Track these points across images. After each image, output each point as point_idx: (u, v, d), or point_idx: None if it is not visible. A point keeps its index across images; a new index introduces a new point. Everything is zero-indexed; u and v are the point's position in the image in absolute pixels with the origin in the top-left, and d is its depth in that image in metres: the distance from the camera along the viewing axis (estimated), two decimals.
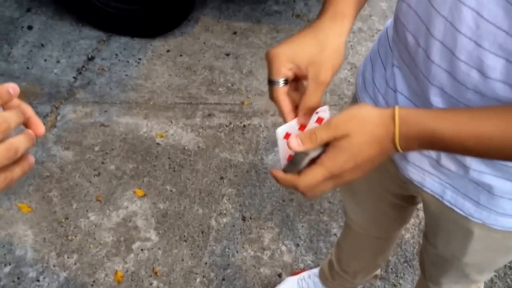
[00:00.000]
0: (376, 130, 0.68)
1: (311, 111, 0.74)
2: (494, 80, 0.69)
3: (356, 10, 0.79)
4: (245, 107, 2.49)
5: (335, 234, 2.07)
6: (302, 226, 2.09)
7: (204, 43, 2.78)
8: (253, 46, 2.80)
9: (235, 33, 2.85)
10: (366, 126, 0.68)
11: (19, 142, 0.54)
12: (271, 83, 0.75)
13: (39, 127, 0.59)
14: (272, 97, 0.76)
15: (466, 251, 1.02)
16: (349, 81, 2.64)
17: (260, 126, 2.42)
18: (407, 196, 1.22)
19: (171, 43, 2.77)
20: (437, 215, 1.02)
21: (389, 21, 1.01)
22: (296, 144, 0.69)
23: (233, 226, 2.08)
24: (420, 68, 0.81)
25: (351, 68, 2.71)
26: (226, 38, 2.82)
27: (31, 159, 0.57)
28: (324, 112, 0.74)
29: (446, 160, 0.87)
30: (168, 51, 2.73)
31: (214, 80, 2.60)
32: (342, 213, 2.13)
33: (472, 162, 0.83)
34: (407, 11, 0.79)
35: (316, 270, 1.91)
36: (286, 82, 0.75)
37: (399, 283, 1.97)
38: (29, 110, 0.59)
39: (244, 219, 2.10)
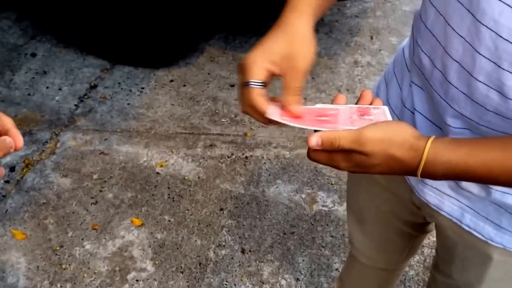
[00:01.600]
0: (402, 155, 0.67)
1: (294, 100, 0.73)
2: None
3: (315, 11, 0.79)
4: (248, 139, 2.46)
5: (336, 269, 2.01)
6: (303, 260, 2.03)
7: (209, 73, 2.78)
8: None
9: None
10: (393, 150, 0.67)
11: None
12: (246, 85, 0.73)
13: (18, 140, 0.56)
14: (247, 100, 0.73)
15: (483, 279, 0.97)
16: None
17: (263, 158, 2.38)
18: (417, 224, 1.19)
19: (175, 73, 2.77)
20: (453, 241, 0.98)
21: (406, 40, 0.99)
22: (315, 144, 0.68)
23: (232, 258, 2.02)
24: (436, 90, 0.78)
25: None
26: (231, 69, 2.82)
27: (2, 170, 0.55)
28: (378, 114, 0.73)
29: (465, 183, 0.84)
30: (171, 81, 2.73)
31: (217, 111, 2.59)
32: (344, 248, 2.07)
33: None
34: (423, 32, 0.77)
35: None
36: (263, 85, 0.74)
37: None
38: (8, 122, 0.57)
39: (243, 251, 2.04)
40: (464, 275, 1.02)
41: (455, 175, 0.67)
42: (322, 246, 2.08)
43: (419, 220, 1.16)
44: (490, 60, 0.66)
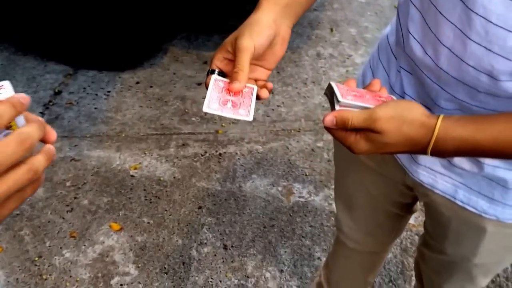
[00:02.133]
0: (413, 133, 0.69)
1: (236, 76, 0.74)
2: (505, 81, 0.70)
3: (287, 10, 0.81)
4: (220, 136, 2.46)
5: (318, 258, 2.04)
6: (285, 252, 2.05)
7: (174, 73, 2.77)
8: None
9: (205, 62, 2.85)
10: (404, 127, 0.69)
11: (39, 162, 0.50)
12: (208, 72, 0.76)
13: (51, 133, 0.55)
14: (206, 85, 0.76)
15: (477, 251, 1.01)
16: (323, 106, 2.66)
17: (236, 153, 2.39)
18: (405, 204, 1.22)
19: (141, 74, 2.74)
20: (447, 217, 1.01)
21: (388, 28, 1.02)
22: (330, 123, 0.71)
23: (215, 255, 2.02)
24: (428, 75, 0.81)
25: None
26: (197, 68, 2.82)
27: (42, 176, 0.53)
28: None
29: (459, 159, 0.87)
30: (137, 82, 2.70)
31: (186, 110, 2.58)
32: (324, 236, 2.10)
33: (486, 158, 0.83)
34: (415, 20, 0.80)
35: None
36: (221, 74, 0.76)
37: None
38: (42, 119, 0.55)
39: (225, 247, 2.05)
40: (458, 249, 1.06)
41: (464, 151, 0.70)
42: (303, 237, 2.11)
43: (408, 200, 1.19)
44: (481, 45, 0.69)
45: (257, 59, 0.78)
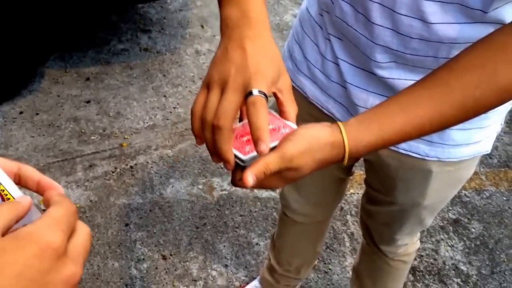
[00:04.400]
0: (327, 156, 0.68)
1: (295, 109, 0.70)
2: (435, 24, 0.78)
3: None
4: (126, 149, 2.38)
5: (257, 244, 2.07)
6: (224, 246, 2.06)
7: (59, 95, 2.61)
8: (112, 87, 2.70)
9: (88, 79, 2.72)
10: (317, 155, 0.67)
11: None
12: (249, 94, 0.62)
13: (56, 186, 0.52)
14: (251, 114, 0.62)
15: (426, 193, 1.10)
16: None
17: (147, 162, 2.33)
18: (348, 167, 1.29)
19: (22, 104, 2.54)
20: (394, 167, 1.09)
21: (305, 2, 1.07)
22: (252, 182, 0.63)
23: (156, 268, 1.96)
24: (361, 32, 0.87)
25: None
26: (80, 86, 2.68)
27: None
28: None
29: None
30: (21, 113, 2.50)
31: (83, 130, 2.45)
32: (255, 222, 2.14)
33: None
34: None
35: (255, 282, 1.89)
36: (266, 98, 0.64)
37: (329, 269, 2.04)
38: (34, 171, 0.52)
39: (164, 258, 2.00)
40: (408, 195, 1.14)
41: (376, 149, 0.71)
42: (236, 227, 2.13)
43: (350, 162, 1.26)
44: None
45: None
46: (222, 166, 2.33)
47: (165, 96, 2.70)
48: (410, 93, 0.70)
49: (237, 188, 2.26)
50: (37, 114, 2.50)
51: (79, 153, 2.34)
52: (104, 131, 2.46)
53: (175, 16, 3.35)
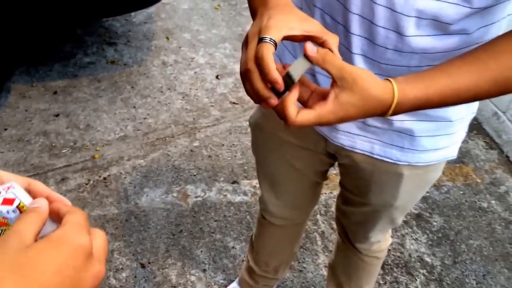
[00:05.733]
0: (379, 94, 0.76)
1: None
2: (409, 36, 0.87)
3: None
4: (98, 160, 2.41)
5: (233, 247, 2.14)
6: (201, 251, 2.11)
7: (26, 110, 2.61)
8: (80, 100, 2.72)
9: (55, 92, 2.73)
10: (372, 87, 0.75)
11: None
12: (261, 40, 0.72)
13: (65, 200, 0.57)
14: (258, 53, 0.72)
15: (397, 194, 1.19)
16: (186, 108, 2.74)
17: (121, 173, 2.36)
18: (324, 171, 1.37)
19: None
20: (369, 171, 1.17)
21: None
22: (311, 50, 0.73)
23: (135, 276, 2.00)
24: (340, 41, 0.95)
25: (183, 97, 2.82)
26: (48, 99, 2.69)
27: None
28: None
29: (371, 119, 1.03)
30: None
31: (53, 144, 2.46)
32: (230, 226, 2.21)
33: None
34: None
35: (234, 285, 1.95)
36: (275, 44, 0.73)
37: (303, 267, 2.12)
38: (44, 188, 0.57)
39: (143, 266, 2.04)
40: (381, 197, 1.23)
41: (417, 108, 0.81)
42: (212, 232, 2.19)
43: (326, 167, 1.34)
44: (387, 7, 0.85)
45: None
46: (195, 173, 2.40)
47: (134, 107, 2.74)
48: (452, 64, 0.81)
49: (210, 195, 2.33)
50: (5, 129, 2.50)
51: (50, 167, 2.35)
52: (75, 144, 2.48)
53: (140, 28, 3.39)
